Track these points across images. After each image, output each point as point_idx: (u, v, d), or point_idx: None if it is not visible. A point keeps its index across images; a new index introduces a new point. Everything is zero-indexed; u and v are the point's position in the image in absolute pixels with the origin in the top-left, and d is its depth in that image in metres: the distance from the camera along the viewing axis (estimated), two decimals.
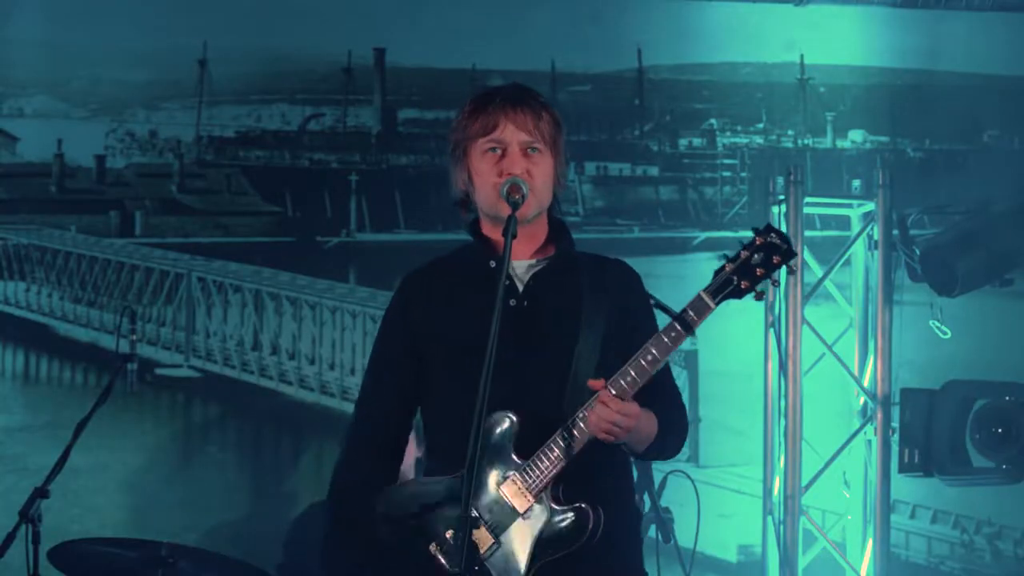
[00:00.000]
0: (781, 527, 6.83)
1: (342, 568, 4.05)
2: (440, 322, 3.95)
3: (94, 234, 7.76)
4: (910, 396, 6.96)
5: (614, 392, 3.72)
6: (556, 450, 3.77)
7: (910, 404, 6.94)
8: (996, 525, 7.95)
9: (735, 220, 8.15)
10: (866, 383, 7.04)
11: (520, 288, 3.95)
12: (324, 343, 7.80)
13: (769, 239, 3.67)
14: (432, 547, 3.80)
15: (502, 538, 3.79)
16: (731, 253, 3.69)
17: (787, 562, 6.79)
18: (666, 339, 3.74)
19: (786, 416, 6.81)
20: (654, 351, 3.73)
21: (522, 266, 3.98)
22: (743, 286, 3.68)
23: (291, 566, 6.53)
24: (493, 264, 3.94)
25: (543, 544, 3.79)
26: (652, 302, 3.87)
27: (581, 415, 3.75)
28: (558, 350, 3.89)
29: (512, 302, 3.91)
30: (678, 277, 8.04)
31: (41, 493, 5.31)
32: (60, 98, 7.71)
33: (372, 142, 7.99)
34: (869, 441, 7.01)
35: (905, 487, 7.39)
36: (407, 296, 4.05)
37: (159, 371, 7.71)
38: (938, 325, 6.97)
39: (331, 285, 7.84)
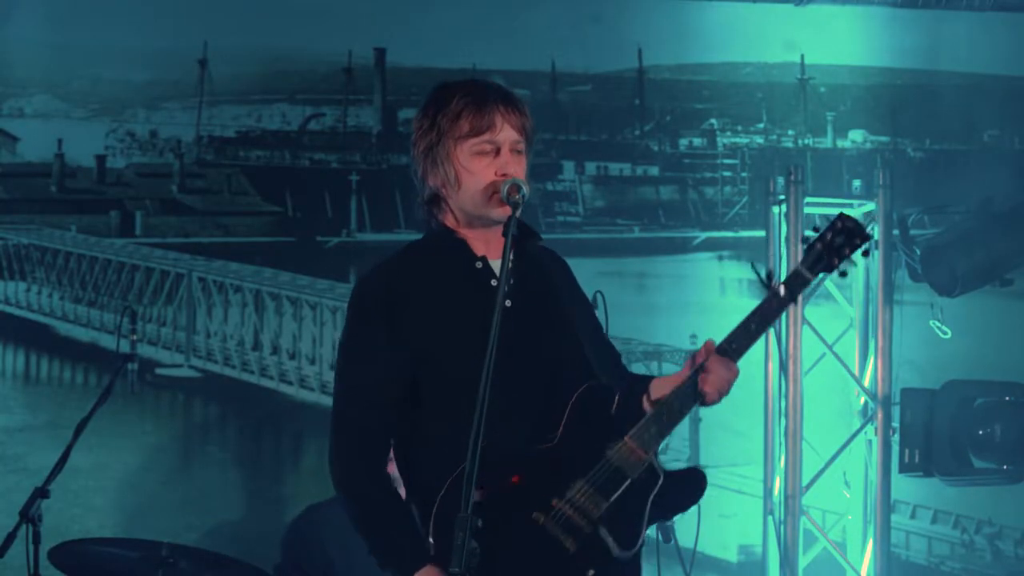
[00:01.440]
0: (781, 527, 6.83)
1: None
2: (438, 328, 3.85)
3: (94, 234, 7.76)
4: (910, 396, 6.96)
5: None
6: (668, 413, 3.79)
7: (910, 404, 6.94)
8: (996, 525, 7.95)
9: (735, 220, 8.15)
10: (866, 383, 7.04)
11: (507, 288, 3.88)
12: (325, 343, 7.80)
13: (846, 224, 3.83)
14: (539, 517, 3.74)
15: (615, 500, 3.76)
16: (812, 233, 3.88)
17: (787, 562, 6.79)
18: (770, 310, 3.84)
19: (786, 416, 6.81)
20: (758, 320, 3.84)
21: (498, 264, 3.90)
22: (835, 262, 3.84)
23: (290, 566, 6.52)
24: (480, 265, 3.90)
25: (657, 505, 3.80)
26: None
27: (687, 383, 3.79)
28: (563, 342, 3.90)
29: (508, 303, 3.80)
30: (678, 277, 8.05)
31: (41, 493, 5.31)
32: (60, 98, 7.71)
33: (372, 142, 7.99)
34: (869, 441, 7.01)
35: (905, 487, 7.39)
36: (387, 301, 3.86)
37: (160, 371, 7.71)
38: (938, 325, 6.97)
39: (332, 285, 7.84)
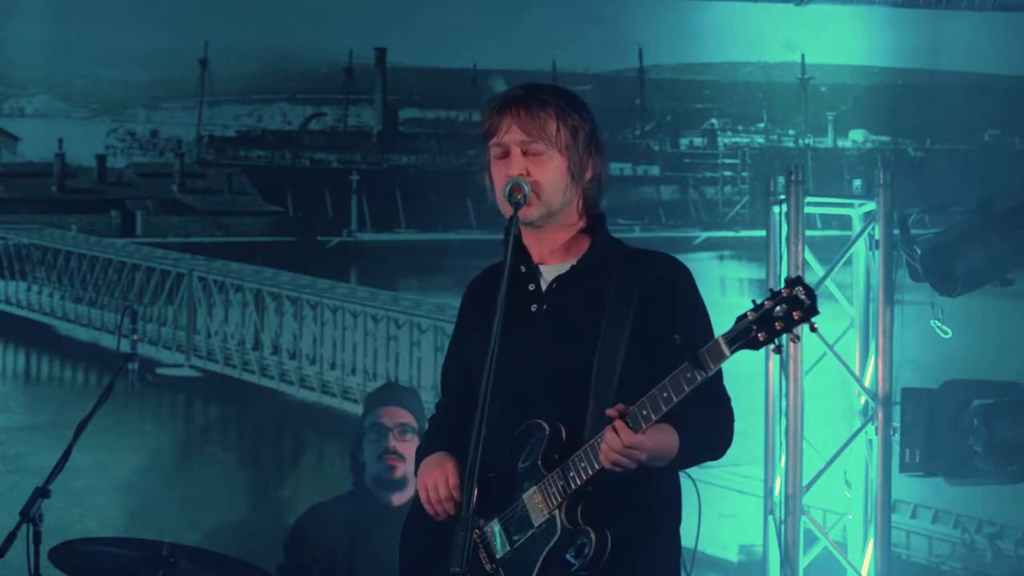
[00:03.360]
0: (782, 527, 6.83)
1: None
2: (478, 330, 3.93)
3: (95, 234, 7.76)
4: (911, 396, 6.96)
5: (629, 424, 3.61)
6: (576, 469, 3.70)
7: (911, 404, 6.94)
8: (997, 525, 7.95)
9: (736, 220, 8.15)
10: (867, 383, 7.04)
11: (544, 292, 3.92)
12: (325, 343, 7.80)
13: (795, 292, 3.45)
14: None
15: (518, 547, 3.76)
16: (758, 299, 3.52)
17: (788, 562, 6.79)
18: (682, 380, 3.59)
19: (787, 416, 6.81)
20: (671, 390, 3.59)
21: (549, 270, 3.94)
22: (760, 337, 3.48)
23: (292, 566, 6.52)
24: (524, 268, 3.91)
25: (549, 561, 3.73)
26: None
27: (599, 439, 3.67)
28: (577, 354, 3.82)
29: (533, 307, 3.89)
30: None
31: (42, 493, 5.31)
32: (61, 98, 7.71)
33: (373, 142, 7.99)
34: (870, 441, 7.01)
35: (906, 487, 7.39)
36: (463, 304, 4.13)
37: (160, 371, 7.71)
38: (939, 325, 6.97)
39: (332, 285, 7.84)
